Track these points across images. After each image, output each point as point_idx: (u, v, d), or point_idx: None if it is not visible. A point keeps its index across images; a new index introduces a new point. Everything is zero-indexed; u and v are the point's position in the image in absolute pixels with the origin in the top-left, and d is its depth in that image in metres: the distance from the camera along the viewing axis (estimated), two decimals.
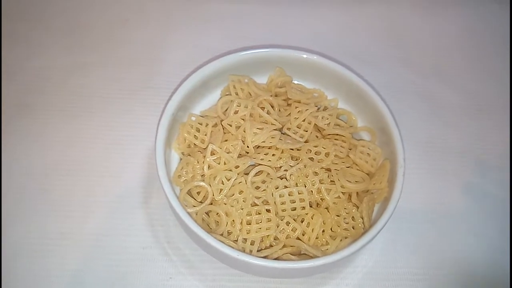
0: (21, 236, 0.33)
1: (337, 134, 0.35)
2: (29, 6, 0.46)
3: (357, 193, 0.33)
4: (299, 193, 0.32)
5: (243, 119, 0.34)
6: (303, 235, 0.31)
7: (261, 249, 0.31)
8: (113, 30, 0.45)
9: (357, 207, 0.32)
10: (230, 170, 0.32)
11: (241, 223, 0.31)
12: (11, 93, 0.40)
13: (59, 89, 0.41)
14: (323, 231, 0.31)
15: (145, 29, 0.45)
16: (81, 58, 0.43)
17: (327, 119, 0.35)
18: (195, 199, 0.32)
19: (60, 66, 0.42)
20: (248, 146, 0.33)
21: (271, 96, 0.36)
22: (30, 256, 0.33)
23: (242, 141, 0.33)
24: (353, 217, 0.32)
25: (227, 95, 0.37)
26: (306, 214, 0.32)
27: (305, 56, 0.37)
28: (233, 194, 0.32)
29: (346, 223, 0.31)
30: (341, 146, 0.34)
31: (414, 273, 0.34)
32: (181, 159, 0.35)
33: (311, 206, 0.32)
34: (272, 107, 0.35)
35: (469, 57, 0.47)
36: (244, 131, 0.33)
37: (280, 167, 0.33)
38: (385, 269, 0.34)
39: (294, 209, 0.32)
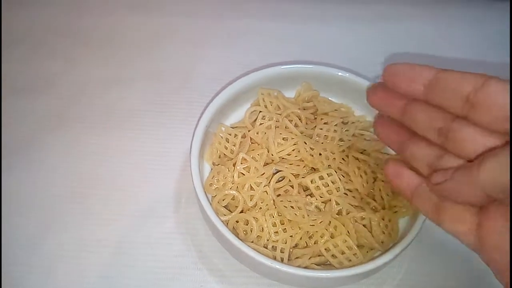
0: (58, 243, 0.35)
1: (364, 150, 0.35)
2: (65, 20, 0.48)
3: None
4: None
5: (269, 129, 0.35)
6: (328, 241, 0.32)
7: (291, 259, 0.31)
8: (147, 44, 0.47)
9: (383, 219, 0.32)
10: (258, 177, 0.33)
11: (269, 232, 0.31)
12: (47, 105, 0.42)
13: (94, 102, 0.42)
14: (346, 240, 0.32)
15: (178, 44, 0.47)
16: (116, 72, 0.44)
17: (351, 130, 0.36)
18: (225, 208, 0.33)
19: (94, 80, 0.44)
20: (272, 154, 0.34)
21: (299, 109, 0.37)
22: (67, 262, 0.34)
23: (267, 149, 0.34)
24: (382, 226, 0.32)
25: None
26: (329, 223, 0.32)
27: (336, 73, 0.38)
28: (256, 203, 0.33)
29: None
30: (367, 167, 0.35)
31: (446, 287, 0.34)
32: (211, 169, 0.36)
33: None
34: (300, 119, 0.36)
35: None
36: (267, 140, 0.34)
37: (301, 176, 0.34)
38: (415, 282, 0.34)
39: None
